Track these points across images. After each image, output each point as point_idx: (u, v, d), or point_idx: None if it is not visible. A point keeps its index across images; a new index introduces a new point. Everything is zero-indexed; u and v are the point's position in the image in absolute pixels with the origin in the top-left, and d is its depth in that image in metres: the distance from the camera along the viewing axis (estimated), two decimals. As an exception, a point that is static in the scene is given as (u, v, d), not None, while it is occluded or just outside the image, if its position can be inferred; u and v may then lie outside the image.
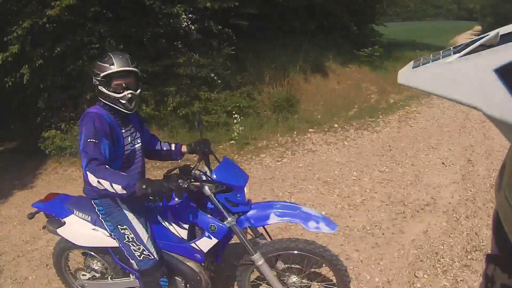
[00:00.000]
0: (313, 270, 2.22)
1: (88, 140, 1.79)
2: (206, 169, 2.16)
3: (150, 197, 1.70)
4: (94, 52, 5.82)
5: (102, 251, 2.35)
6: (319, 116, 7.19)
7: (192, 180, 1.87)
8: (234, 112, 6.65)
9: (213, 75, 6.56)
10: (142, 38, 6.28)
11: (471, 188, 3.84)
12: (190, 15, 6.35)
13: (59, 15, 5.16)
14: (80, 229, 2.26)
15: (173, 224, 2.11)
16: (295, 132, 6.41)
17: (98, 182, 1.71)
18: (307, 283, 2.27)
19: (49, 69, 5.90)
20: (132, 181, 1.71)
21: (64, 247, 2.49)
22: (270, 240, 2.22)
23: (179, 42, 6.33)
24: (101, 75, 1.90)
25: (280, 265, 2.19)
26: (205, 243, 2.05)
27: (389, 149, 5.24)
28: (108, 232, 2.13)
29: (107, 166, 1.76)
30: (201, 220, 2.04)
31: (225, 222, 1.99)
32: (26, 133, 6.90)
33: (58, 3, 5.11)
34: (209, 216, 2.04)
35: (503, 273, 0.80)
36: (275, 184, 4.39)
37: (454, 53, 0.73)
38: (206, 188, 1.96)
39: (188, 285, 2.19)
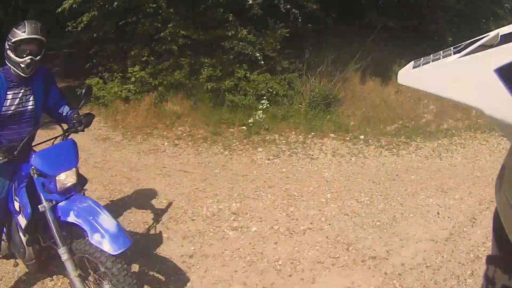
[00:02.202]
0: None
1: None
2: None
3: None
4: (150, 11, 5.95)
5: None
6: (351, 123, 6.51)
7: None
8: (264, 97, 6.34)
9: (258, 54, 6.23)
10: (200, 5, 6.19)
11: (447, 253, 3.13)
12: None
13: None
14: None
15: (14, 195, 2.26)
16: (312, 133, 5.93)
17: None
18: None
19: (105, 20, 6.29)
20: None
21: None
22: None
23: (232, 14, 6.05)
24: (12, 40, 2.13)
25: (101, 268, 2.07)
26: (21, 220, 2.20)
27: (393, 178, 4.54)
28: None
29: None
30: (21, 199, 2.16)
31: (39, 206, 2.04)
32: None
33: None
34: (26, 197, 2.12)
35: (504, 274, 0.80)
36: (241, 183, 4.15)
37: (455, 53, 0.73)
38: (30, 170, 2.07)
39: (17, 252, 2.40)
